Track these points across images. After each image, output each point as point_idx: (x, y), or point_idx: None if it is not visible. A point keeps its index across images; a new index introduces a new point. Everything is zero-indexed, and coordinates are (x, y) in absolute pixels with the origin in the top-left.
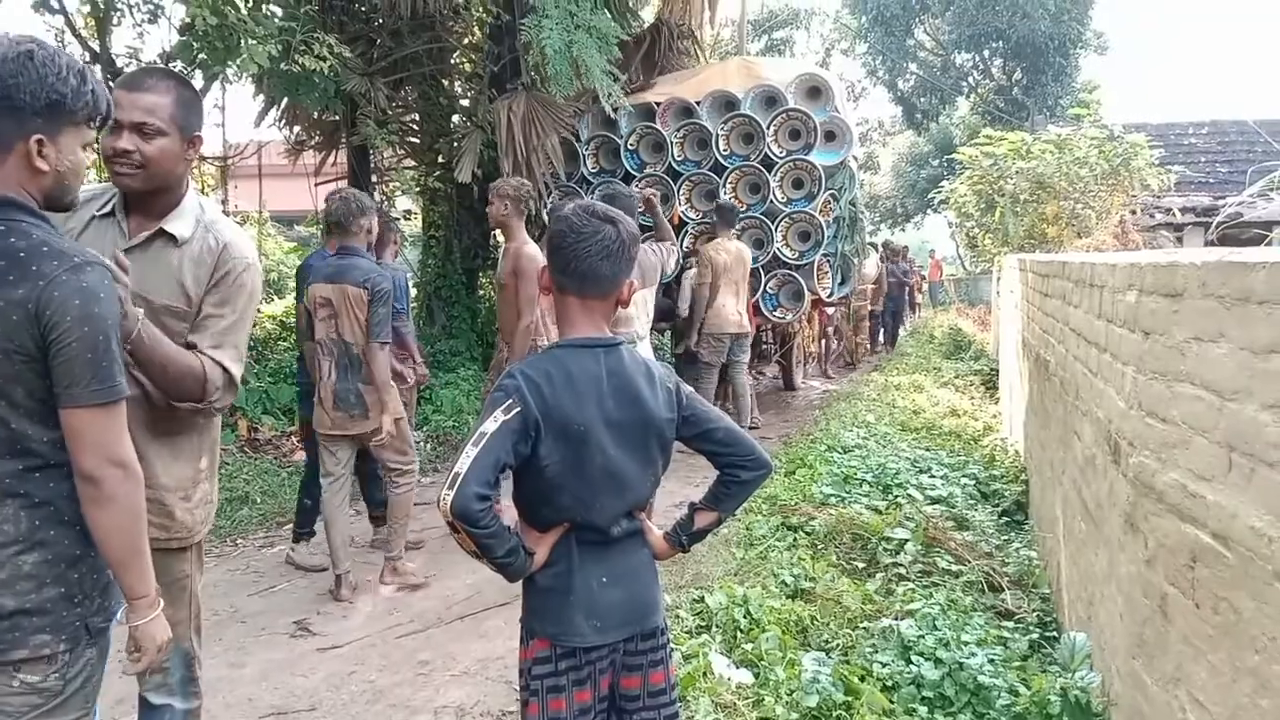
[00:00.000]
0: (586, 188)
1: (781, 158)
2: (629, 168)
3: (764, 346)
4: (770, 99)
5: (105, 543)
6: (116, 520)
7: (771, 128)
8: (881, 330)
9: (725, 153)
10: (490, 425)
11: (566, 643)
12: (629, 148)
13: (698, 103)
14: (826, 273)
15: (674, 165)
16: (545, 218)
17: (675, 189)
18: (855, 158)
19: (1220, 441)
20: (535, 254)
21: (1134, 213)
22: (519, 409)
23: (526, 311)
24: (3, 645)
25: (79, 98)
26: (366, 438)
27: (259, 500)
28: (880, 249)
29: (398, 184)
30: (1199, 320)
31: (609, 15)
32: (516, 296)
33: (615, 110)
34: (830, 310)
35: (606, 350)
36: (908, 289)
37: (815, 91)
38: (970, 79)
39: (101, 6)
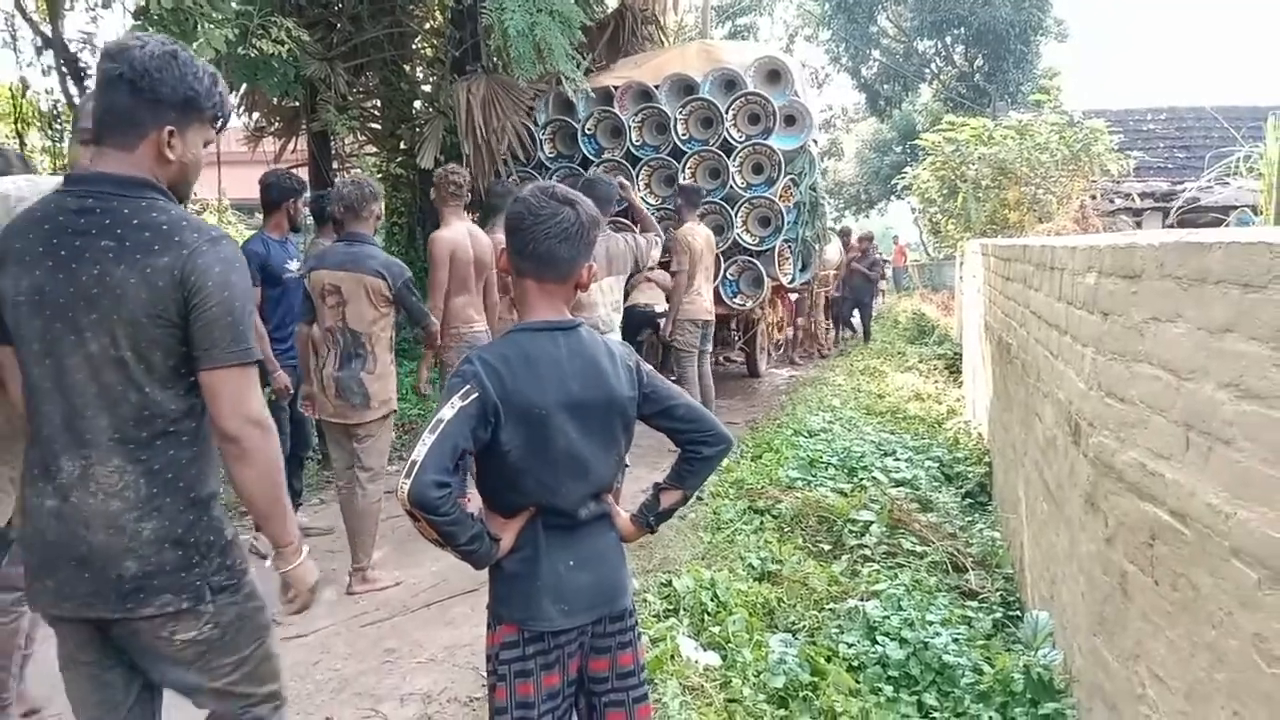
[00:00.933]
0: (544, 173)
1: (741, 142)
2: (587, 153)
3: (726, 333)
4: (729, 82)
5: (250, 497)
6: (258, 474)
7: (730, 112)
8: (849, 319)
9: (684, 137)
10: (448, 412)
11: (534, 627)
12: (586, 132)
13: (656, 86)
14: (787, 258)
15: (632, 150)
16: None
17: (634, 174)
18: (815, 142)
19: (1178, 420)
20: (441, 237)
21: (1094, 198)
22: (476, 395)
23: (432, 295)
24: (130, 604)
25: (210, 97)
26: (358, 430)
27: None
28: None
29: (359, 170)
30: (1157, 301)
31: None
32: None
33: (574, 93)
34: (794, 297)
35: (565, 332)
36: (873, 281)
37: (775, 75)
38: (933, 66)
39: None
